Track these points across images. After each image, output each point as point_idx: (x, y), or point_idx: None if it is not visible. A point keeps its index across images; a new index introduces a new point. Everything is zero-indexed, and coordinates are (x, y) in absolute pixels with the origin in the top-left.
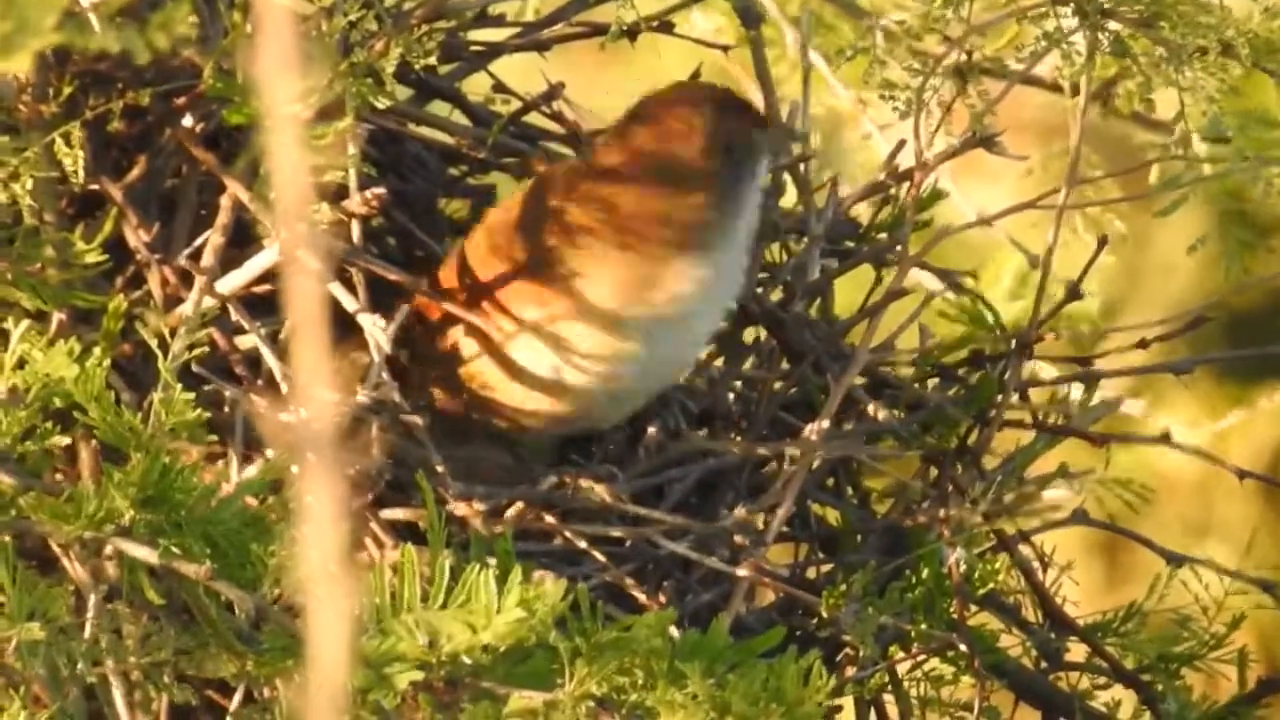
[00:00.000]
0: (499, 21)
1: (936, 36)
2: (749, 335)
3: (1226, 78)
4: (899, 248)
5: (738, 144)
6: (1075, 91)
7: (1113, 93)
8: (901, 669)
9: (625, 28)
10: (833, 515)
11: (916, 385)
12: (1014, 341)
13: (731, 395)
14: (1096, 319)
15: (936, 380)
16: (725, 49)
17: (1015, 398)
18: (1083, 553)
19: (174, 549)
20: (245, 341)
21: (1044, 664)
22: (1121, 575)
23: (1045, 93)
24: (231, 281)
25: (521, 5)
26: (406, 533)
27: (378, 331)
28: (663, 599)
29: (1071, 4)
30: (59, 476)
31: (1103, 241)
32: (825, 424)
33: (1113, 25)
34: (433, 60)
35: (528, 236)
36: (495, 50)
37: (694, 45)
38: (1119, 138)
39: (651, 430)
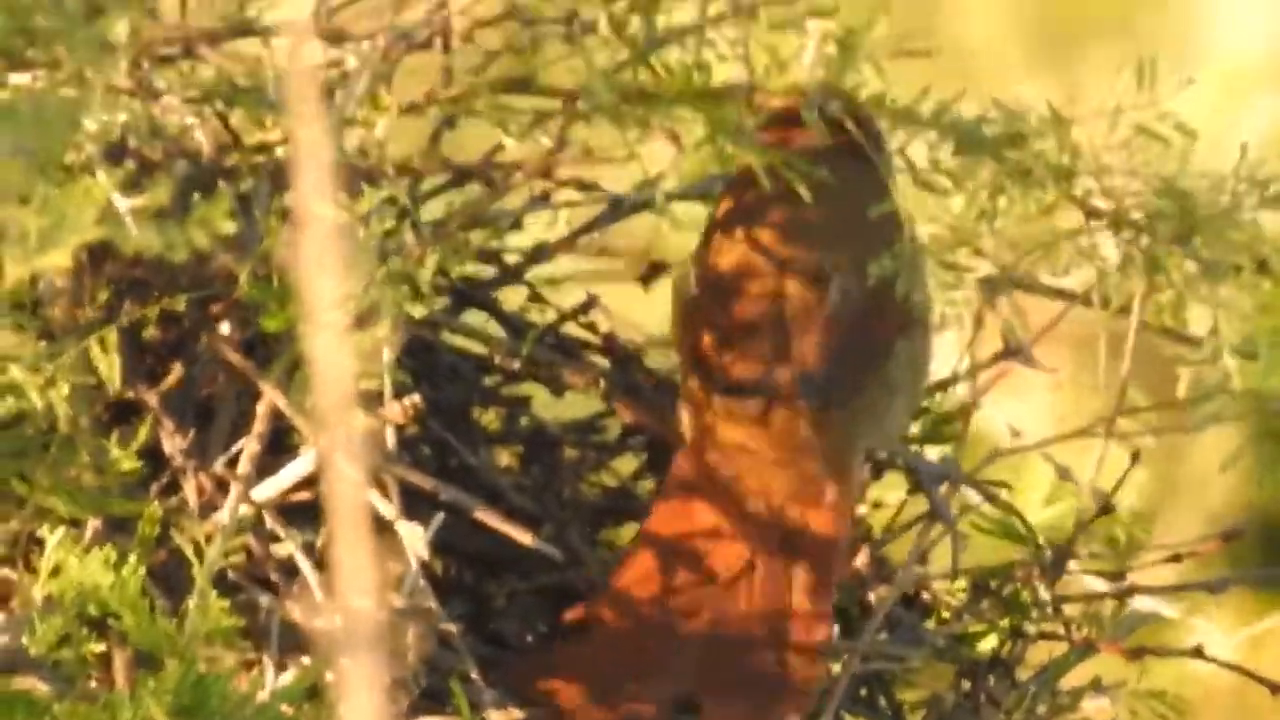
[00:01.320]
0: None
1: (967, 249)
2: None
3: (1260, 294)
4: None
5: None
6: (1106, 303)
7: (1144, 307)
8: None
9: (658, 264)
10: None
11: (950, 597)
12: (1048, 555)
13: None
14: (1132, 530)
15: (971, 593)
16: None
17: (1049, 610)
18: None
19: None
20: (281, 549)
21: None
22: None
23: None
24: (267, 489)
25: (553, 216)
26: None
27: (415, 539)
28: None
29: (1106, 219)
30: (94, 683)
31: (1135, 456)
32: (866, 637)
33: (1145, 241)
34: (470, 269)
35: None
36: (532, 260)
37: None
38: (1149, 350)
39: None
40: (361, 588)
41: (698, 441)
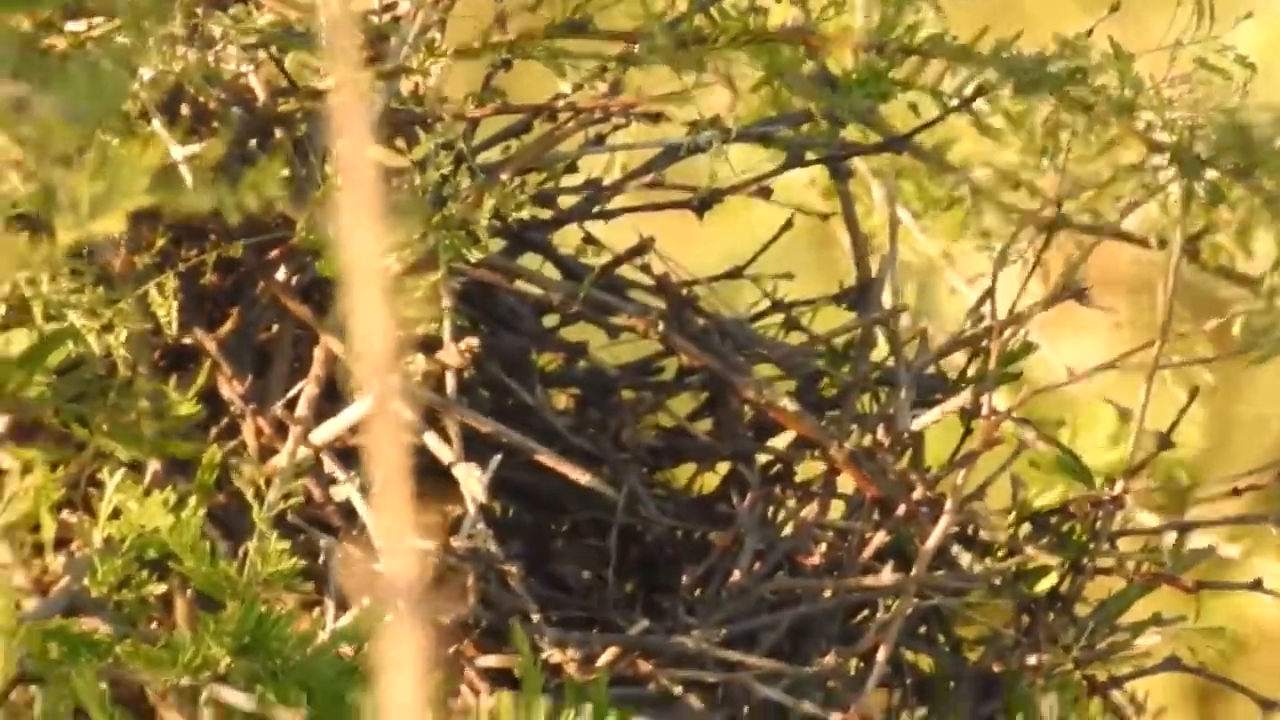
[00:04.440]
0: (593, 186)
1: (1026, 190)
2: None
3: None
4: (987, 400)
5: None
6: (1163, 244)
7: (1200, 246)
8: None
9: (713, 193)
10: (925, 663)
11: (1008, 534)
12: (1106, 490)
13: (824, 545)
14: (1189, 469)
15: (1029, 529)
16: (824, 217)
17: (1107, 545)
18: (1174, 704)
19: (271, 697)
20: (339, 492)
21: None
22: None
23: (1135, 247)
24: (325, 432)
25: (609, 159)
26: (502, 680)
27: (473, 481)
28: None
29: (1167, 154)
30: (155, 625)
31: (1194, 391)
32: (920, 572)
33: (1209, 175)
34: (525, 214)
35: None
36: (591, 202)
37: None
38: (1205, 292)
39: (736, 573)
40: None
41: None
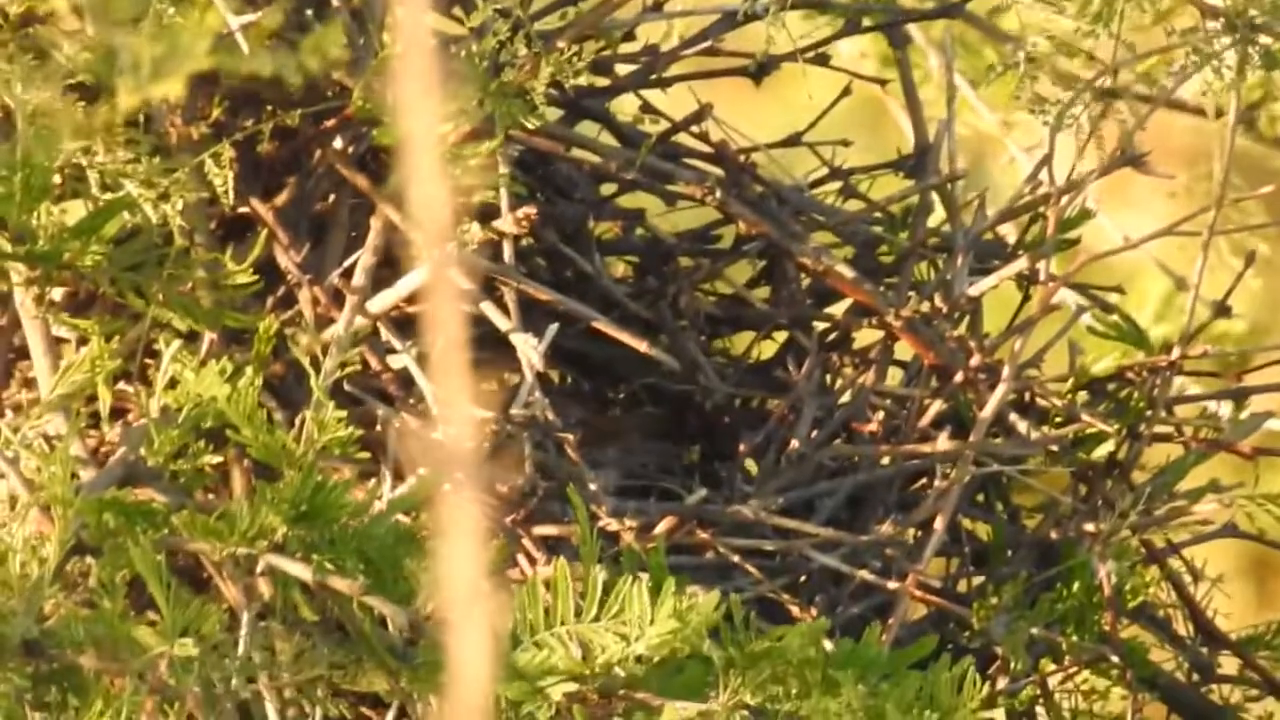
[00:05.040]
0: (650, 53)
1: (1082, 58)
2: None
3: None
4: (1045, 265)
5: None
6: (1220, 114)
7: (1257, 116)
8: (1053, 682)
9: (771, 59)
10: (983, 530)
11: (1066, 401)
12: (1164, 356)
13: (881, 413)
14: (1244, 340)
15: (1086, 396)
16: (882, 83)
17: (1164, 412)
18: (1230, 574)
19: (327, 565)
20: (397, 361)
21: (1196, 677)
22: (1269, 598)
23: (1190, 118)
24: (382, 301)
25: (668, 27)
26: (559, 548)
27: (530, 350)
28: (814, 611)
29: (1222, 20)
30: (211, 496)
31: (1250, 257)
32: (977, 439)
33: (1263, 40)
34: (582, 81)
35: None
36: (648, 70)
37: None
38: (1261, 163)
39: (794, 441)
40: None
41: None
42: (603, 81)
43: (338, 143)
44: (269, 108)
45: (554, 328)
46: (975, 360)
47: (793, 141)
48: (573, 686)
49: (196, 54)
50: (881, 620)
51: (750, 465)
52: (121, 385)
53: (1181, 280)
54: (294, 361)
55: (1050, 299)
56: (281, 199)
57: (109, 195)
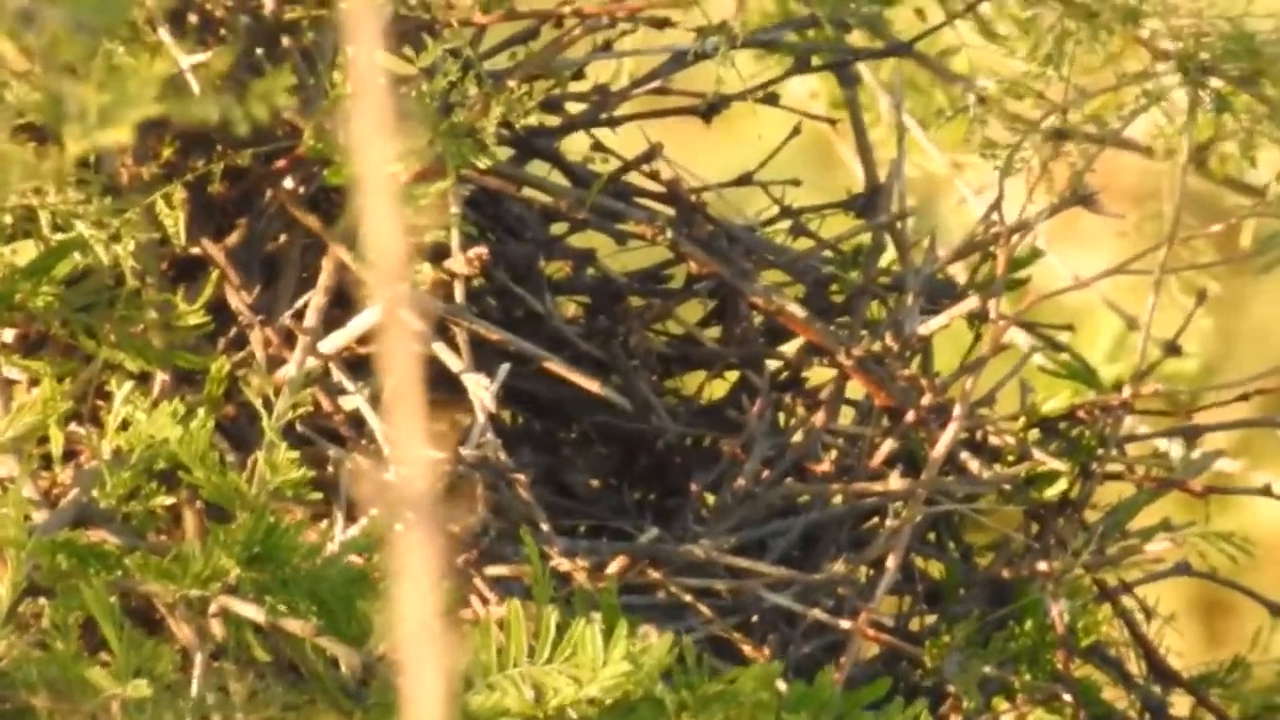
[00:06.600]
0: (600, 93)
1: (1032, 99)
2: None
3: None
4: (995, 304)
5: None
6: (1170, 153)
7: (1207, 155)
8: None
9: (721, 98)
10: (935, 569)
11: (1018, 440)
12: (1115, 395)
13: (833, 452)
14: (1195, 379)
15: (1038, 435)
16: (832, 122)
17: (1116, 451)
18: (1182, 612)
19: (280, 607)
20: (348, 402)
21: (1148, 716)
22: (1219, 638)
23: (1139, 158)
24: (334, 342)
25: (617, 66)
26: (512, 589)
27: (481, 390)
28: (767, 651)
29: (1173, 62)
30: (164, 537)
31: (1201, 296)
32: (929, 478)
33: (1214, 83)
34: (533, 120)
35: None
36: (598, 109)
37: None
38: (1211, 201)
39: (746, 480)
40: (418, 441)
41: None
42: (553, 121)
43: (289, 183)
44: (220, 148)
45: (506, 368)
46: (927, 399)
47: (744, 181)
48: None
49: (144, 101)
50: (834, 659)
51: (703, 504)
52: (73, 427)
53: (1132, 319)
54: (246, 403)
55: (1001, 338)
56: (233, 239)
57: (60, 236)
